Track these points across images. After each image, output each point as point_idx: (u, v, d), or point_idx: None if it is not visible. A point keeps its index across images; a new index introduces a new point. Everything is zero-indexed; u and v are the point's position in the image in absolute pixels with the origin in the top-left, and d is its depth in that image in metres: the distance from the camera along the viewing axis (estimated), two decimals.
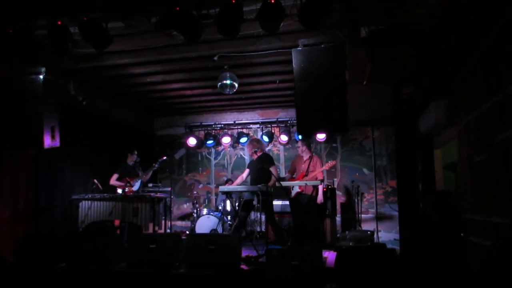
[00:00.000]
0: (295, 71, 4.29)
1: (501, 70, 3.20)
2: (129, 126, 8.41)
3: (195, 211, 7.76)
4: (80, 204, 5.98)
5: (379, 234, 7.70)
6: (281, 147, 8.84)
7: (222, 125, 8.92)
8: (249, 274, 4.17)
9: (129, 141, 7.65)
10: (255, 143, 6.26)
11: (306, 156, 6.43)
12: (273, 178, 5.75)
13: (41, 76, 4.69)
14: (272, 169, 5.79)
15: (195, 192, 8.97)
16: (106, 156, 7.33)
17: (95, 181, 6.26)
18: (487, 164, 3.60)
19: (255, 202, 5.78)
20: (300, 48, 4.29)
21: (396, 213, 7.22)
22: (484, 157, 3.68)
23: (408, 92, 5.12)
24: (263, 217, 6.28)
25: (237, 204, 6.96)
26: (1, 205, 5.37)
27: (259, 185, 5.37)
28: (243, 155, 9.04)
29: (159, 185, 8.00)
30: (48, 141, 4.69)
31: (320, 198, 6.27)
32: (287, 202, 6.87)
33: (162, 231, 6.41)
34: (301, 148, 6.48)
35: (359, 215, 7.36)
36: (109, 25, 4.26)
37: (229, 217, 7.42)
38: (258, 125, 8.79)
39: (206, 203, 8.50)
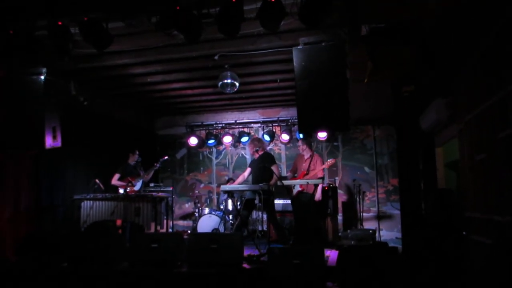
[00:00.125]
0: (295, 70, 4.28)
1: (501, 70, 3.20)
2: (130, 126, 8.42)
3: (196, 210, 7.77)
4: (82, 204, 5.99)
5: (381, 232, 7.69)
6: (282, 146, 8.84)
7: (223, 125, 8.92)
8: (251, 273, 4.17)
9: (130, 141, 7.66)
10: (257, 142, 6.27)
11: (307, 155, 6.44)
12: (274, 177, 5.75)
13: (42, 77, 4.69)
14: (273, 168, 5.80)
15: (196, 191, 8.97)
16: (107, 156, 7.34)
17: (97, 181, 6.26)
18: (489, 162, 3.59)
19: (256, 201, 5.79)
20: (300, 47, 4.27)
21: (398, 212, 7.23)
22: (485, 155, 3.68)
23: (409, 90, 5.11)
24: (265, 216, 6.28)
25: (238, 203, 6.96)
26: (3, 205, 5.39)
27: (260, 184, 5.38)
28: (244, 155, 9.04)
29: (160, 184, 8.01)
30: (49, 141, 4.70)
31: (318, 195, 6.27)
32: (289, 201, 6.88)
33: (164, 230, 6.41)
34: (302, 147, 6.49)
35: (361, 214, 7.36)
36: (109, 25, 4.26)
37: (230, 216, 7.43)
38: (259, 124, 8.79)
39: (208, 202, 8.50)
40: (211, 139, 8.64)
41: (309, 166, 6.29)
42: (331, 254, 5.21)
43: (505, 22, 3.08)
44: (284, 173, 8.16)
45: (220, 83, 5.94)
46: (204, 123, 9.00)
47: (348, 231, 6.30)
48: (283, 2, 3.84)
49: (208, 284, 4.07)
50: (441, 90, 5.00)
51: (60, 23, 4.18)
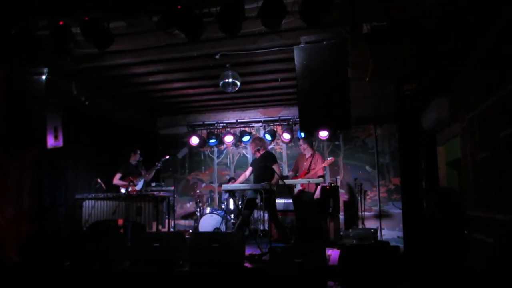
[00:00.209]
0: (297, 68, 4.28)
1: (501, 70, 3.19)
2: (131, 125, 8.43)
3: (198, 210, 7.77)
4: (84, 203, 6.00)
5: (382, 231, 7.68)
6: (284, 145, 8.83)
7: (225, 124, 8.92)
8: (253, 272, 4.18)
9: (131, 141, 7.67)
10: (258, 141, 6.28)
11: (308, 154, 6.44)
12: (276, 176, 5.75)
13: (44, 77, 4.70)
14: (275, 167, 5.80)
15: (198, 191, 8.97)
16: (108, 155, 7.35)
17: (99, 180, 6.27)
18: (491, 161, 3.58)
19: (258, 201, 5.79)
20: (302, 45, 4.27)
21: (399, 211, 7.22)
22: (487, 154, 3.67)
23: (410, 88, 5.09)
24: (266, 215, 6.29)
25: (240, 202, 6.97)
26: (5, 204, 5.40)
27: (262, 183, 5.38)
28: (245, 154, 9.04)
29: (162, 184, 8.02)
30: (51, 141, 4.71)
31: (317, 194, 6.27)
32: (290, 200, 6.88)
33: (166, 230, 6.42)
34: (303, 146, 6.49)
35: (362, 213, 7.35)
36: (110, 24, 4.27)
37: (232, 216, 7.43)
38: (260, 124, 8.78)
39: (209, 201, 8.51)
40: (212, 138, 8.65)
41: (310, 165, 6.29)
42: (333, 253, 5.21)
43: (505, 22, 3.07)
44: (286, 172, 8.16)
45: (221, 82, 5.94)
46: (205, 122, 9.00)
47: (350, 230, 6.31)
48: (284, 1, 3.83)
49: (210, 283, 4.08)
50: (442, 90, 4.99)
51: (61, 23, 4.18)
